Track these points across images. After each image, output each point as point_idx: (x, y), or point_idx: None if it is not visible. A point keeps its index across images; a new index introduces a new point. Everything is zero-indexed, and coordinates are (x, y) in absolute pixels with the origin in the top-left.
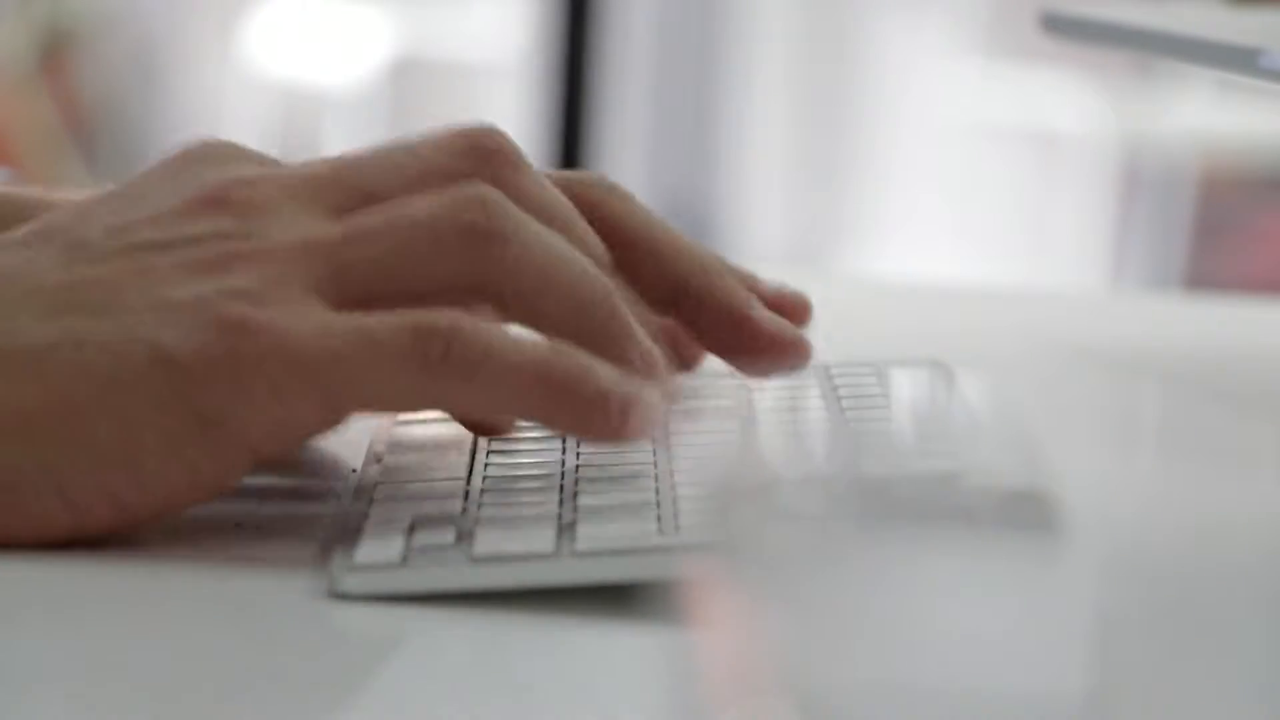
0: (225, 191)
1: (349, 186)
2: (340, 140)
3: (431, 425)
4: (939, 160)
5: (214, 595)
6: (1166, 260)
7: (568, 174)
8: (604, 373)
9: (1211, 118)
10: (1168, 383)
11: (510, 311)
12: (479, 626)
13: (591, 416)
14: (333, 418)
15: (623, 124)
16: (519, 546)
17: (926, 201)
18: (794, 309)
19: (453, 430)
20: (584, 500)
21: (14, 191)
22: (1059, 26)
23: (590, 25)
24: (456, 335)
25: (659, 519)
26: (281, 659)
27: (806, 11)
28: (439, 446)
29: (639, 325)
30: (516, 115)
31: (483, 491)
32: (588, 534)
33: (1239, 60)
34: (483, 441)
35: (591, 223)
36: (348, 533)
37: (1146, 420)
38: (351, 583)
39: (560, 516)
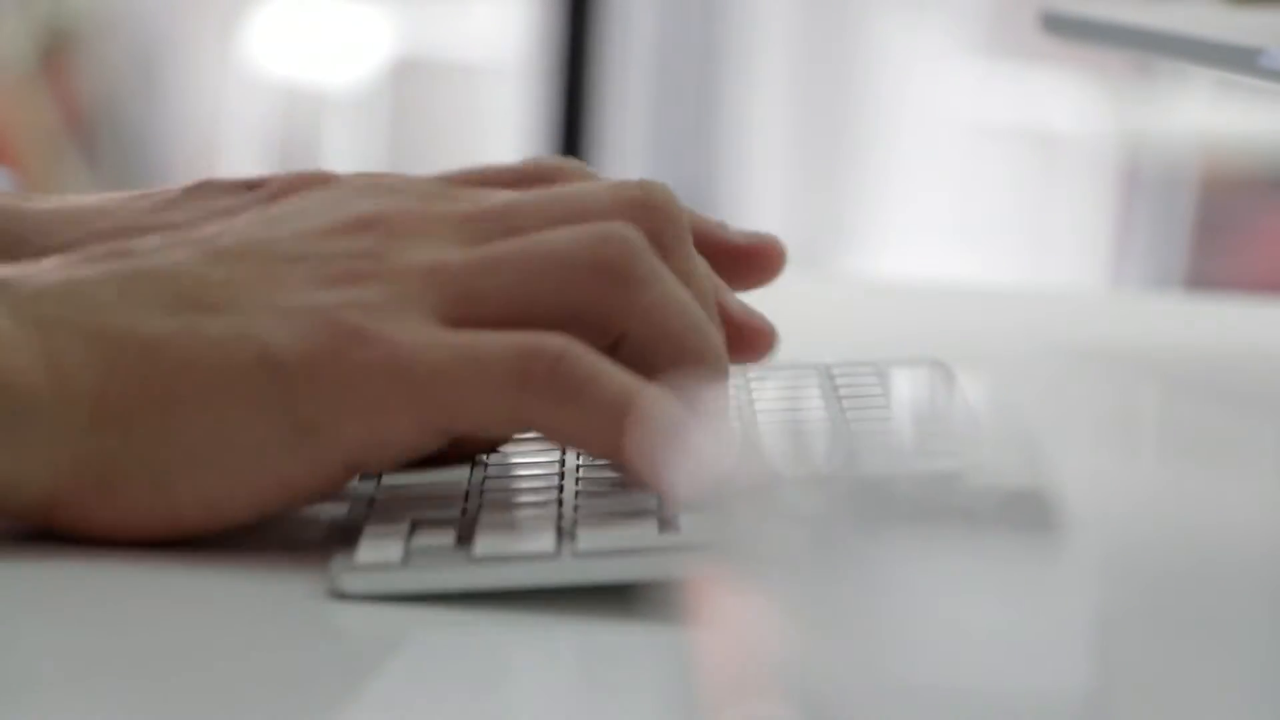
0: (375, 217)
1: (497, 222)
2: (341, 141)
3: None
4: (939, 160)
5: (214, 595)
6: (1166, 260)
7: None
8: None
9: (1211, 118)
10: (1168, 383)
11: (621, 352)
12: (479, 626)
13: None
14: (430, 436)
15: (623, 124)
16: (519, 547)
17: (926, 201)
18: (768, 255)
19: None
20: (584, 500)
21: (13, 203)
22: (1059, 26)
23: (590, 25)
24: (563, 357)
25: (659, 519)
26: (282, 659)
27: (807, 12)
28: None
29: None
30: (516, 115)
31: (483, 491)
32: (588, 534)
33: (1239, 60)
34: None
35: None
36: (348, 533)
37: (1146, 420)
38: (351, 583)
39: (560, 517)
